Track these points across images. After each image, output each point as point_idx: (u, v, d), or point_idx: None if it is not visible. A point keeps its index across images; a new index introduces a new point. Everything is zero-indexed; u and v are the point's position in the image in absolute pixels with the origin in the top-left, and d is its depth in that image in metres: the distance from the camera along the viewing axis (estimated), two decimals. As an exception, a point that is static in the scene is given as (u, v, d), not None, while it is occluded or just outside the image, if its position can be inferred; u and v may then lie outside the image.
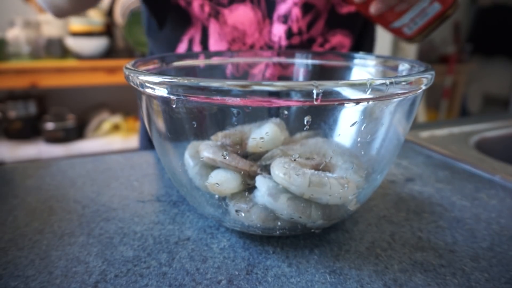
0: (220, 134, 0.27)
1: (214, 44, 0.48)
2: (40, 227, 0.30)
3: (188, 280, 0.24)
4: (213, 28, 0.47)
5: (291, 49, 0.47)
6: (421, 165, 0.44)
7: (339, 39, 0.49)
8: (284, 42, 0.47)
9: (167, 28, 0.51)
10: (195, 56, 0.39)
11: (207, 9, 0.46)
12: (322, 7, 0.47)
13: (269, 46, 0.48)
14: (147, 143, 0.60)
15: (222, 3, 0.46)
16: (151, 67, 0.33)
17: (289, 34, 0.47)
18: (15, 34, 1.43)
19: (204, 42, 0.48)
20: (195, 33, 0.48)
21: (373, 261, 0.27)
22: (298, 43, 0.48)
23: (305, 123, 0.23)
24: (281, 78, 0.44)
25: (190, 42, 0.49)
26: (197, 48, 0.49)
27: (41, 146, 1.51)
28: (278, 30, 0.47)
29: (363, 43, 0.54)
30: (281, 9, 0.46)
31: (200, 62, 0.39)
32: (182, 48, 0.50)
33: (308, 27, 0.47)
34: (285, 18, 0.46)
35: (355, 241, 0.29)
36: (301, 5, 0.45)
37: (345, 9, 0.48)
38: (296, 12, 0.46)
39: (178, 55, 0.37)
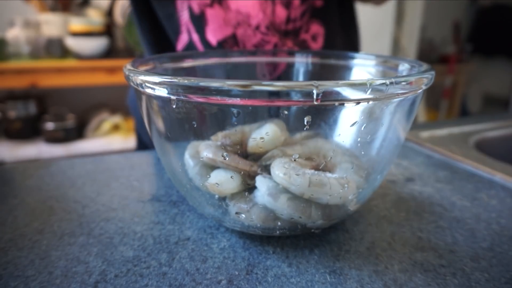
0: (220, 134, 0.27)
1: (217, 29, 0.48)
2: (40, 227, 0.30)
3: (188, 280, 0.24)
4: (216, 14, 0.47)
5: (289, 49, 0.47)
6: (421, 165, 0.44)
7: (316, 28, 0.52)
8: (283, 27, 0.48)
9: (161, 24, 0.51)
10: (195, 56, 0.39)
11: None
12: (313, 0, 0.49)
13: (274, 26, 0.48)
14: (142, 143, 0.61)
15: None
16: (151, 67, 0.33)
17: (287, 20, 0.48)
18: (15, 34, 1.43)
19: (200, 30, 0.48)
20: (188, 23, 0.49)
21: (373, 261, 0.27)
22: (292, 29, 0.49)
23: (305, 123, 0.23)
24: None
25: (188, 32, 0.49)
26: (194, 36, 0.49)
27: (41, 146, 1.51)
28: (281, 13, 0.48)
29: (347, 30, 0.57)
30: None
31: (200, 62, 0.39)
32: (183, 39, 0.50)
33: (301, 15, 0.49)
34: (287, 4, 0.47)
35: (355, 241, 0.29)
36: None
37: (318, 2, 0.51)
38: (297, 1, 0.48)
39: (178, 54, 0.37)
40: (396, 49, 2.06)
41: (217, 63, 0.40)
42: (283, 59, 0.43)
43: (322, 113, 0.23)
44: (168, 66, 0.35)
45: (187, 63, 0.37)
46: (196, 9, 0.47)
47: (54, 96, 1.71)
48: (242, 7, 0.47)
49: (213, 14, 0.47)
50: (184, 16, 0.48)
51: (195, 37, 0.49)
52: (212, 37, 0.48)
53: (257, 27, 0.48)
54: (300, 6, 0.48)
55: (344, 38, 0.57)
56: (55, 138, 1.53)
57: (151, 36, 0.53)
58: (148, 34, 0.53)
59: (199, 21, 0.48)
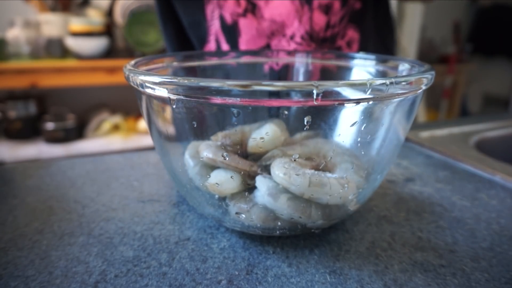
0: (220, 134, 0.27)
1: (251, 40, 0.46)
2: (40, 227, 0.30)
3: (188, 280, 0.24)
4: (250, 24, 0.46)
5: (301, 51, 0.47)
6: (421, 165, 0.44)
7: (351, 34, 0.50)
8: (321, 34, 0.46)
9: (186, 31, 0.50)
10: (199, 56, 0.39)
11: (243, 3, 0.45)
12: (353, 2, 0.47)
13: (310, 35, 0.46)
14: None
15: None
16: (151, 67, 0.33)
17: (327, 26, 0.46)
18: (15, 34, 1.43)
19: (232, 40, 0.47)
20: (218, 32, 0.47)
21: (373, 261, 0.27)
22: (330, 36, 0.47)
23: (305, 123, 0.23)
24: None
25: (217, 42, 0.48)
26: (224, 46, 0.48)
27: (41, 146, 1.51)
28: (320, 20, 0.46)
29: (385, 38, 0.56)
30: None
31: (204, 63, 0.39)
32: (210, 48, 0.49)
33: (340, 20, 0.47)
34: (327, 9, 0.46)
35: (355, 241, 0.29)
36: None
37: (357, 5, 0.49)
38: (337, 5, 0.46)
39: (177, 54, 0.37)
40: (396, 49, 2.06)
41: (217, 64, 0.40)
42: (285, 59, 0.43)
43: (322, 113, 0.23)
44: (178, 66, 0.35)
45: (192, 63, 0.37)
46: (228, 19, 0.46)
47: (54, 96, 1.70)
48: (276, 16, 0.45)
49: (246, 24, 0.46)
50: (215, 26, 0.47)
51: (225, 47, 0.47)
52: (245, 48, 0.47)
53: (292, 37, 0.46)
54: (341, 10, 0.46)
55: (377, 43, 0.55)
56: (55, 138, 1.53)
57: (176, 42, 0.52)
58: (173, 40, 0.52)
59: (231, 31, 0.47)
